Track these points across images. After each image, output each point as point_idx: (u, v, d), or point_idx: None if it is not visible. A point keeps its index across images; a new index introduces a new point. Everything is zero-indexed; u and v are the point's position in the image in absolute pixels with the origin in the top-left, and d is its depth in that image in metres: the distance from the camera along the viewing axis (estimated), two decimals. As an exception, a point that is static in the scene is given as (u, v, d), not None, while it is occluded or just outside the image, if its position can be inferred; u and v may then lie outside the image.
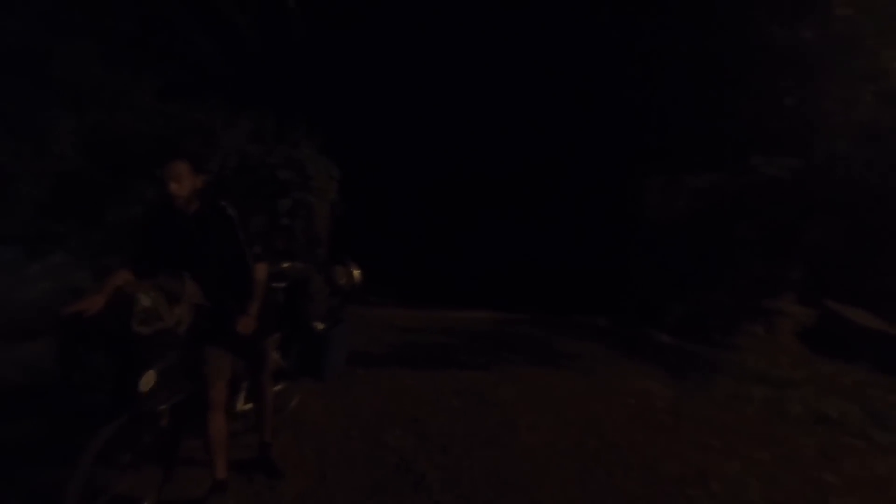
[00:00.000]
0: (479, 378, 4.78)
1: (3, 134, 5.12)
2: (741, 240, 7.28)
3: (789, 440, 3.98)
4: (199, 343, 2.36)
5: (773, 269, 7.37)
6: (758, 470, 3.37)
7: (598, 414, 4.11)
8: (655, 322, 7.34)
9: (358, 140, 9.61)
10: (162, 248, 2.40)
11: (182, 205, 2.38)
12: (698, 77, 7.00)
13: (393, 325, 6.93)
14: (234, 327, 2.35)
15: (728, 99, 6.73)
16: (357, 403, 3.90)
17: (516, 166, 9.29)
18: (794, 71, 6.14)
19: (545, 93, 9.18)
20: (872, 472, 3.54)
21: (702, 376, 5.45)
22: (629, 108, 7.90)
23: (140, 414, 2.13)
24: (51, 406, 3.14)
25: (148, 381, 2.05)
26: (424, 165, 9.47)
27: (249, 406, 2.95)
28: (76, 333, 2.03)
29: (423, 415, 3.76)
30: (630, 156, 7.86)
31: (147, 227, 2.46)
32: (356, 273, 3.34)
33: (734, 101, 6.75)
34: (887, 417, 4.59)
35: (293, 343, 3.14)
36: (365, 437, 3.34)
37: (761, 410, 4.66)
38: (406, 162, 9.55)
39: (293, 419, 3.44)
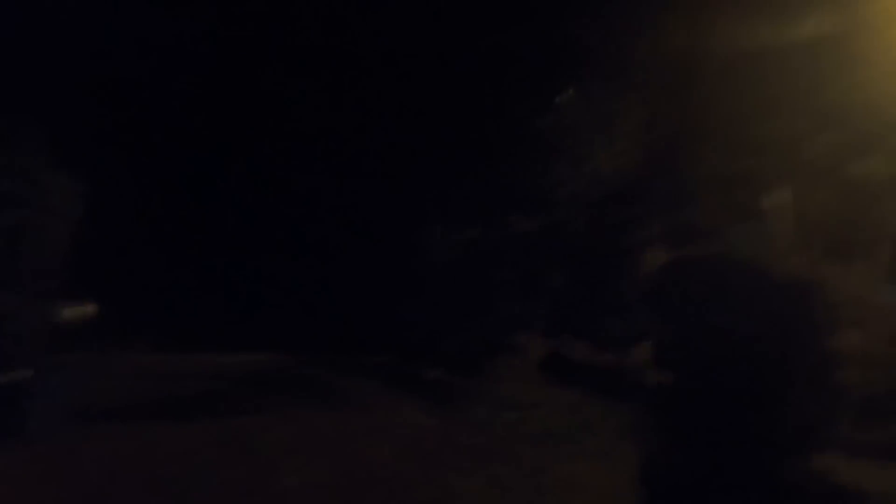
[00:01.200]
0: (245, 425, 4.45)
1: None
2: (501, 283, 8.54)
3: (524, 455, 4.69)
4: None
5: (526, 308, 8.80)
6: (497, 483, 3.89)
7: (366, 450, 4.22)
8: (430, 358, 7.95)
9: (119, 150, 8.17)
10: None
11: None
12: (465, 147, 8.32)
13: (150, 372, 5.98)
14: None
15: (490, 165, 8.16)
16: (83, 467, 3.24)
17: (297, 205, 9.01)
18: (535, 150, 7.85)
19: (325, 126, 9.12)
20: (574, 473, 4.41)
21: (464, 405, 6.08)
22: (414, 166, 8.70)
23: None
24: None
25: None
26: (195, 187, 8.49)
27: None
28: None
29: (170, 473, 3.32)
30: (408, 208, 8.59)
31: None
32: (86, 309, 2.86)
33: (497, 169, 8.21)
34: (594, 428, 5.80)
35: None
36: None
37: (508, 431, 5.41)
38: (175, 181, 8.41)
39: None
